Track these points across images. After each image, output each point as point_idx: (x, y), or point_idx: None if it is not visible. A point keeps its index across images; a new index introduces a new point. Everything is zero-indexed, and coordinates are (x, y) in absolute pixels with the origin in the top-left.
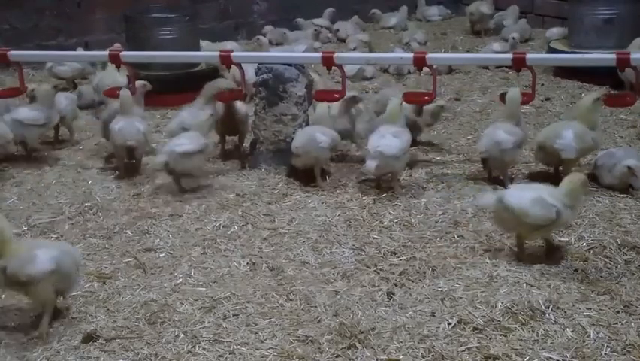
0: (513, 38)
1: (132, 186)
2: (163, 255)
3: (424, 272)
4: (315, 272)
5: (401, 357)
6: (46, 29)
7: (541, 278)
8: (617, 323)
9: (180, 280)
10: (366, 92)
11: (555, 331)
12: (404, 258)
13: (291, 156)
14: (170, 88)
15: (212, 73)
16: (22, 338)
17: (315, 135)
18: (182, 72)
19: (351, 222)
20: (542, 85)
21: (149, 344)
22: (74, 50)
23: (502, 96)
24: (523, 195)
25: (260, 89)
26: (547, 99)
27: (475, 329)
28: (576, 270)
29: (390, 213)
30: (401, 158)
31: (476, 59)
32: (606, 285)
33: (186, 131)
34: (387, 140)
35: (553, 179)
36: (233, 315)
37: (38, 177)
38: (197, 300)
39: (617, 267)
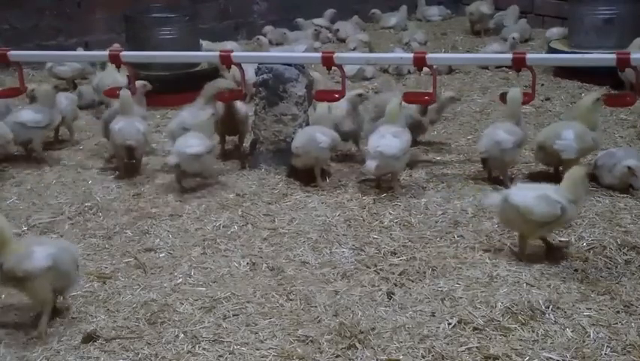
0: (513, 38)
1: (132, 186)
2: (163, 255)
3: (424, 272)
4: (315, 272)
5: (401, 357)
6: (46, 29)
7: (541, 278)
8: (617, 323)
9: (180, 280)
10: (367, 92)
11: (555, 331)
12: (404, 258)
13: (291, 156)
14: (170, 88)
15: (213, 73)
16: (22, 338)
17: (315, 135)
18: (182, 72)
19: (351, 222)
20: (542, 85)
21: (149, 344)
22: (74, 49)
23: (502, 96)
24: (527, 193)
25: (260, 89)
26: (547, 99)
27: (475, 329)
28: (576, 270)
29: (390, 213)
30: (401, 158)
31: (476, 59)
32: (606, 285)
33: (187, 131)
34: (388, 140)
35: (554, 179)
36: (233, 315)
37: (38, 177)
38: (197, 300)
39: (617, 267)
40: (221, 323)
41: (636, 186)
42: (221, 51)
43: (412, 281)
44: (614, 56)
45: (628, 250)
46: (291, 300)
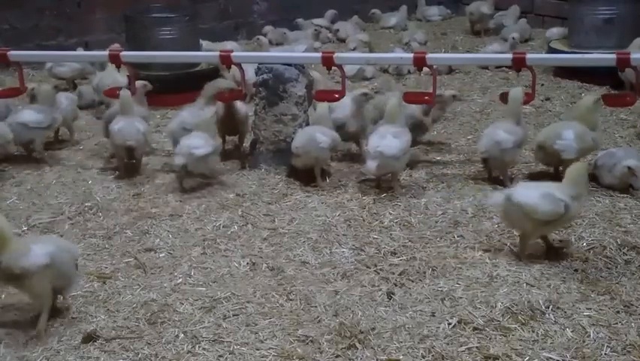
0: (513, 38)
1: (132, 186)
2: (163, 255)
3: (424, 272)
4: (315, 272)
5: (401, 357)
6: (46, 29)
7: (541, 278)
8: (617, 323)
9: (180, 280)
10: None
11: (555, 331)
12: (404, 258)
13: (291, 156)
14: (170, 88)
15: (213, 73)
16: (22, 338)
17: (315, 135)
18: (182, 72)
19: (351, 222)
20: (542, 85)
21: (149, 344)
22: (74, 49)
23: (502, 96)
24: (531, 192)
25: (260, 89)
26: (547, 99)
27: (475, 329)
28: (576, 270)
29: (390, 213)
30: (401, 158)
31: (476, 59)
32: (606, 285)
33: (187, 131)
34: (388, 140)
35: (554, 179)
36: (233, 315)
37: (38, 177)
38: (197, 300)
39: (617, 267)
40: (221, 323)
41: (636, 186)
42: (221, 51)
43: (412, 281)
44: (614, 56)
45: (628, 250)
46: (291, 300)
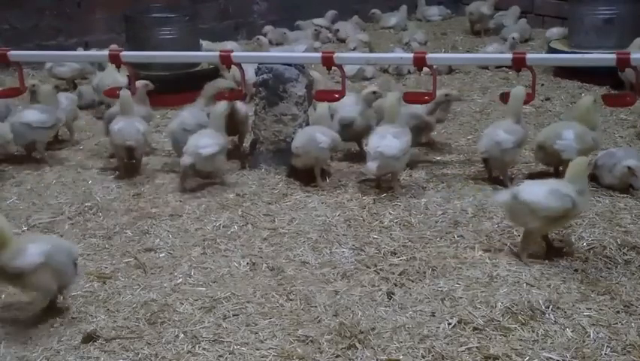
0: (513, 38)
1: (132, 186)
2: (163, 255)
3: (424, 272)
4: (315, 272)
5: (401, 357)
6: (46, 29)
7: (541, 278)
8: (617, 323)
9: (180, 280)
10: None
11: (555, 331)
12: (404, 258)
13: (291, 156)
14: (170, 88)
15: (213, 73)
16: (22, 338)
17: (315, 135)
18: (182, 72)
19: (351, 222)
20: (542, 85)
21: (149, 344)
22: (74, 49)
23: (502, 96)
24: (537, 189)
25: (260, 89)
26: (547, 99)
27: (475, 329)
28: (576, 270)
29: (390, 213)
30: (401, 158)
31: (476, 59)
32: (606, 285)
33: (187, 132)
34: (388, 140)
35: None
36: (233, 315)
37: (38, 177)
38: (197, 300)
39: (617, 267)
40: (221, 323)
41: (636, 186)
42: (221, 51)
43: (412, 281)
44: (614, 56)
45: (628, 250)
46: (291, 300)
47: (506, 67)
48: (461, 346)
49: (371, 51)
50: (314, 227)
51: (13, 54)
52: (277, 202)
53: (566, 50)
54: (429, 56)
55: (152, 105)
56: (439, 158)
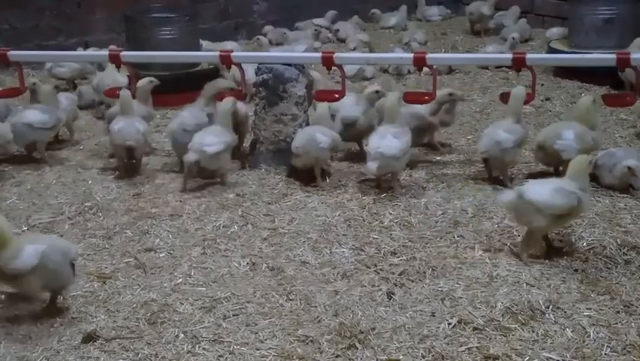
0: (513, 38)
1: (132, 186)
2: (163, 255)
3: (424, 272)
4: (315, 272)
5: (401, 357)
6: (46, 29)
7: (541, 278)
8: (617, 323)
9: (180, 280)
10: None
11: (555, 331)
12: (404, 258)
13: (291, 156)
14: (170, 88)
15: (213, 73)
16: (22, 338)
17: (315, 135)
18: (182, 72)
19: (351, 222)
20: (542, 85)
21: (149, 344)
22: (74, 49)
23: (502, 96)
24: (542, 188)
25: (260, 89)
26: (547, 99)
27: (475, 329)
28: (576, 270)
29: (390, 213)
30: (401, 158)
31: (476, 59)
32: (606, 285)
33: (187, 132)
34: (388, 140)
35: None
36: (233, 315)
37: (38, 177)
38: (197, 300)
39: (617, 267)
40: (221, 323)
41: (636, 186)
42: (221, 51)
43: (412, 281)
44: (614, 56)
45: (628, 250)
46: (291, 300)
47: (506, 67)
48: (461, 346)
49: (371, 51)
50: (314, 227)
51: (13, 54)
52: (277, 202)
53: (566, 50)
54: (429, 56)
55: (152, 105)
56: (439, 158)
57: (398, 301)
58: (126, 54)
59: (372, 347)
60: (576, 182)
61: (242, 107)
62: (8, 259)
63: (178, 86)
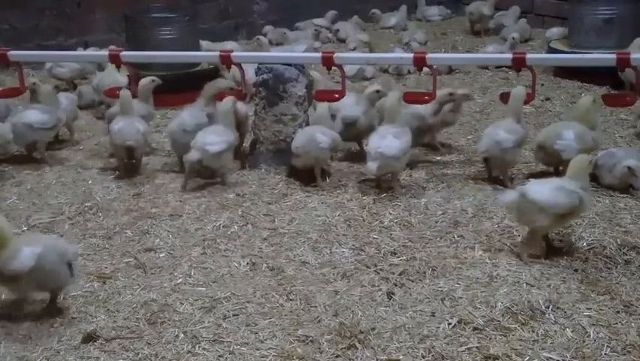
0: (513, 38)
1: (132, 186)
2: (163, 255)
3: (424, 272)
4: (315, 272)
5: (401, 357)
6: (46, 29)
7: (541, 278)
8: (617, 323)
9: (180, 280)
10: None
11: (555, 331)
12: (404, 258)
13: (291, 156)
14: (170, 88)
15: (213, 73)
16: (22, 338)
17: (315, 135)
18: (182, 72)
19: (351, 222)
20: (542, 85)
21: (149, 344)
22: (74, 49)
23: (502, 96)
24: (544, 187)
25: (260, 89)
26: (547, 99)
27: (475, 329)
28: (576, 270)
29: (390, 213)
30: (401, 158)
31: (476, 59)
32: (606, 285)
33: (187, 132)
34: (388, 140)
35: None
36: (233, 315)
37: (38, 177)
38: (197, 300)
39: (617, 267)
40: (221, 323)
41: (636, 186)
42: (221, 51)
43: (412, 281)
44: (614, 56)
45: (628, 250)
46: (291, 300)
47: (506, 67)
48: (461, 346)
49: (371, 51)
50: (314, 227)
51: (13, 54)
52: (277, 202)
53: (566, 50)
54: (429, 56)
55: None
56: (439, 158)
57: (398, 301)
58: (126, 54)
59: (372, 347)
60: (576, 182)
61: (242, 107)
62: (7, 260)
63: (178, 86)
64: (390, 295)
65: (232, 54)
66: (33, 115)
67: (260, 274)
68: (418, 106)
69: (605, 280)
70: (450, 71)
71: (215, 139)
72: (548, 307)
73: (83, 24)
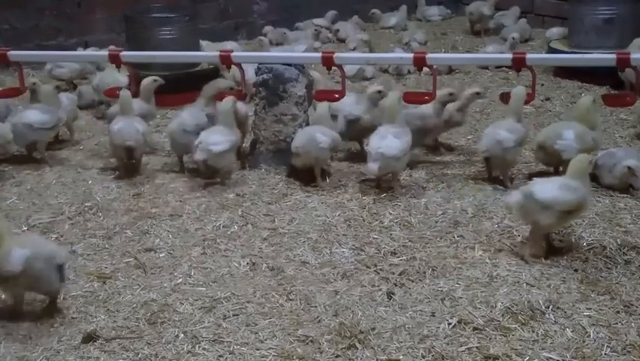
0: (513, 38)
1: (132, 186)
2: (163, 255)
3: (424, 272)
4: (315, 272)
5: (401, 357)
6: (46, 29)
7: (541, 278)
8: (617, 323)
9: (180, 280)
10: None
11: (555, 331)
12: (404, 258)
13: (291, 156)
14: (170, 88)
15: (213, 73)
16: (22, 338)
17: (315, 135)
18: (182, 72)
19: (351, 222)
20: (542, 85)
21: (149, 344)
22: (74, 49)
23: (502, 96)
24: (548, 186)
25: (260, 89)
26: (547, 99)
27: (475, 329)
28: (576, 270)
29: (390, 213)
30: (402, 158)
31: (476, 59)
32: (606, 285)
33: (187, 132)
34: (388, 141)
35: None
36: (233, 315)
37: (38, 177)
38: (197, 300)
39: (617, 267)
40: (221, 323)
41: (636, 186)
42: (221, 51)
43: (412, 281)
44: (614, 56)
45: (628, 250)
46: (291, 300)
47: (506, 67)
48: (461, 346)
49: (371, 51)
50: (314, 227)
51: (13, 54)
52: (277, 202)
53: (566, 50)
54: (429, 56)
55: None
56: (439, 158)
57: (398, 301)
58: (126, 54)
59: (372, 347)
60: (576, 181)
61: (242, 107)
62: (1, 260)
63: (178, 86)
64: (390, 295)
65: (232, 54)
66: (33, 115)
67: (260, 274)
68: (421, 106)
69: (605, 280)
70: (450, 71)
71: (219, 139)
72: (548, 307)
73: (83, 24)
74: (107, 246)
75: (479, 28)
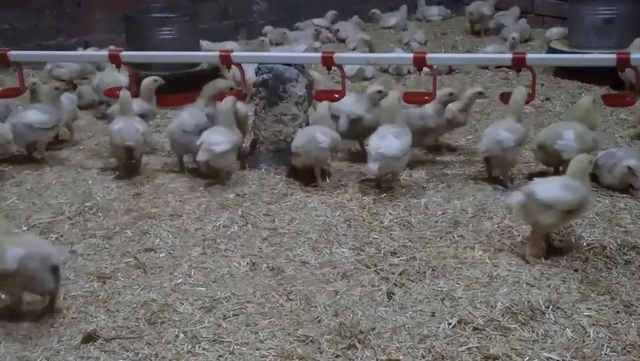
0: (513, 38)
1: (132, 186)
2: (163, 255)
3: (424, 272)
4: (315, 272)
5: (401, 357)
6: (46, 29)
7: (541, 278)
8: (617, 323)
9: (180, 280)
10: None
11: (555, 331)
12: (404, 258)
13: (291, 156)
14: (170, 88)
15: (213, 73)
16: (22, 338)
17: (315, 135)
18: (182, 72)
19: (351, 222)
20: (542, 85)
21: (149, 344)
22: (74, 49)
23: (502, 96)
24: (550, 186)
25: (260, 89)
26: (547, 99)
27: (475, 329)
28: (576, 270)
29: (390, 213)
30: (402, 158)
31: (476, 59)
32: (606, 285)
33: (187, 133)
34: (389, 141)
35: None
36: (233, 315)
37: (38, 177)
38: (197, 300)
39: (617, 267)
40: (221, 323)
41: (636, 186)
42: (221, 51)
43: (412, 281)
44: (614, 56)
45: (628, 250)
46: (291, 300)
47: (506, 67)
48: (461, 346)
49: (371, 51)
50: (314, 227)
51: (13, 54)
52: (277, 202)
53: (566, 50)
54: (429, 56)
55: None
56: (439, 158)
57: (398, 301)
58: (126, 54)
59: (372, 347)
60: (577, 181)
61: (242, 107)
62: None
63: (178, 86)
64: (390, 295)
65: (232, 54)
66: (33, 115)
67: (260, 274)
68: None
69: (605, 280)
70: (450, 71)
71: (220, 139)
72: (548, 307)
73: (83, 24)
74: (107, 246)
75: (479, 28)
